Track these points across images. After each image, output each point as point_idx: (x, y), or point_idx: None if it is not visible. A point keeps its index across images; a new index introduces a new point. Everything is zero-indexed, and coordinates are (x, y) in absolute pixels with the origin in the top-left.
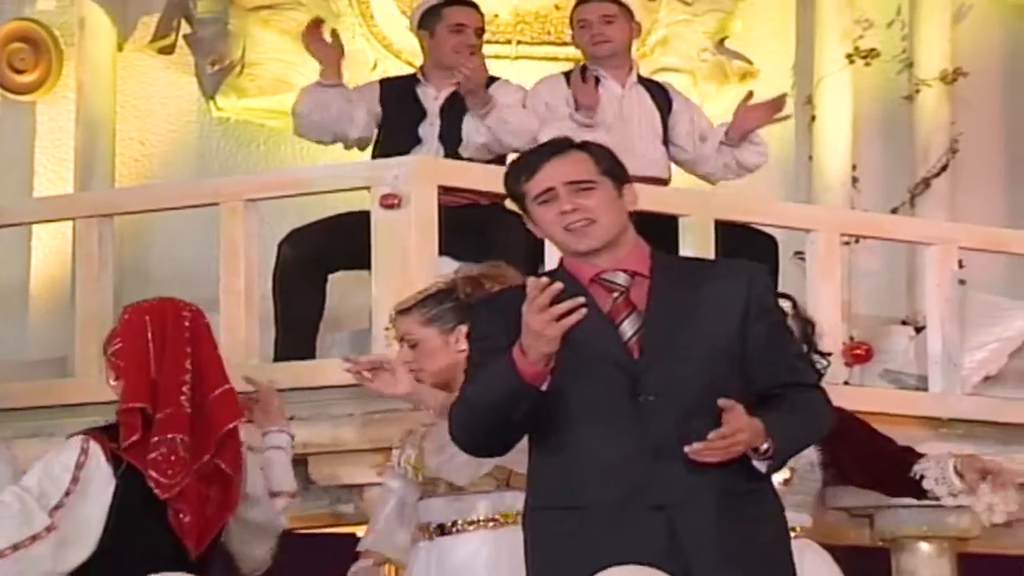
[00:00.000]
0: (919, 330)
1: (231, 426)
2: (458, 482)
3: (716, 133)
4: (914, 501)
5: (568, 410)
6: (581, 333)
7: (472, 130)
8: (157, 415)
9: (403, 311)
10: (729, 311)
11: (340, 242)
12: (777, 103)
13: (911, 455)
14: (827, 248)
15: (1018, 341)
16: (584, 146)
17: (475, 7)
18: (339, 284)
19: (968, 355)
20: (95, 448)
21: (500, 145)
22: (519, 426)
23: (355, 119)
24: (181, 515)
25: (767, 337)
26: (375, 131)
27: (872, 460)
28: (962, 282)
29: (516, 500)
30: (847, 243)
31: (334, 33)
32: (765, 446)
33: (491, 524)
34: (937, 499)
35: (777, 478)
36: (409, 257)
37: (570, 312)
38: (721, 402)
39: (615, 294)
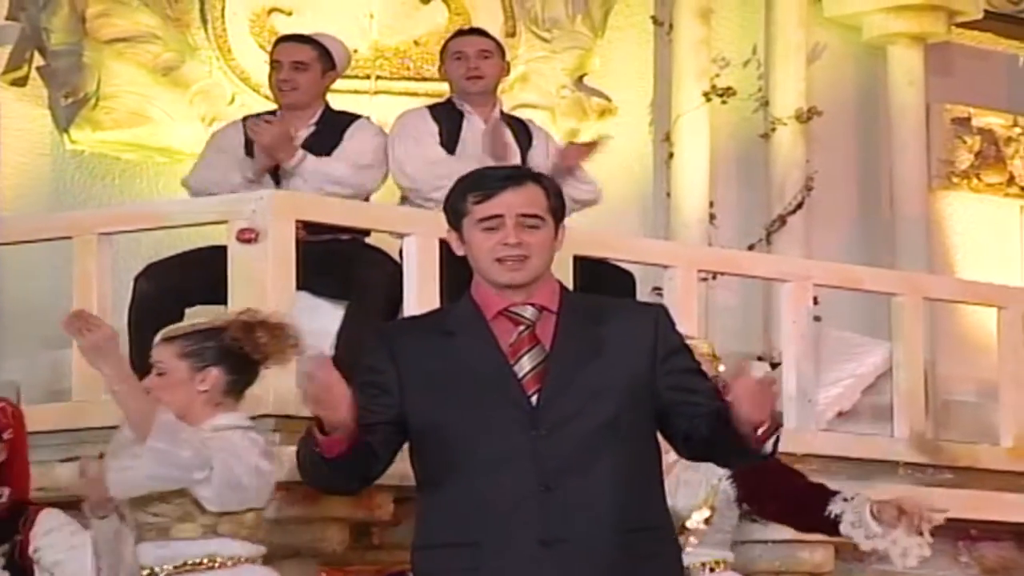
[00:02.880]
0: (775, 366)
1: None
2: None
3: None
4: (768, 535)
5: (460, 447)
6: (475, 369)
7: (299, 183)
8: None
9: (168, 339)
10: (636, 349)
11: (197, 276)
12: (592, 145)
13: (823, 491)
14: (684, 284)
15: (871, 377)
16: (538, 179)
17: (302, 40)
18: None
19: (823, 391)
20: None
21: (326, 194)
22: (351, 477)
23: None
24: None
25: (683, 373)
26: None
27: (786, 495)
28: (817, 318)
29: (232, 547)
30: (704, 279)
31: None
32: (768, 425)
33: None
34: (852, 541)
35: (698, 517)
36: (266, 292)
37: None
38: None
39: (521, 328)
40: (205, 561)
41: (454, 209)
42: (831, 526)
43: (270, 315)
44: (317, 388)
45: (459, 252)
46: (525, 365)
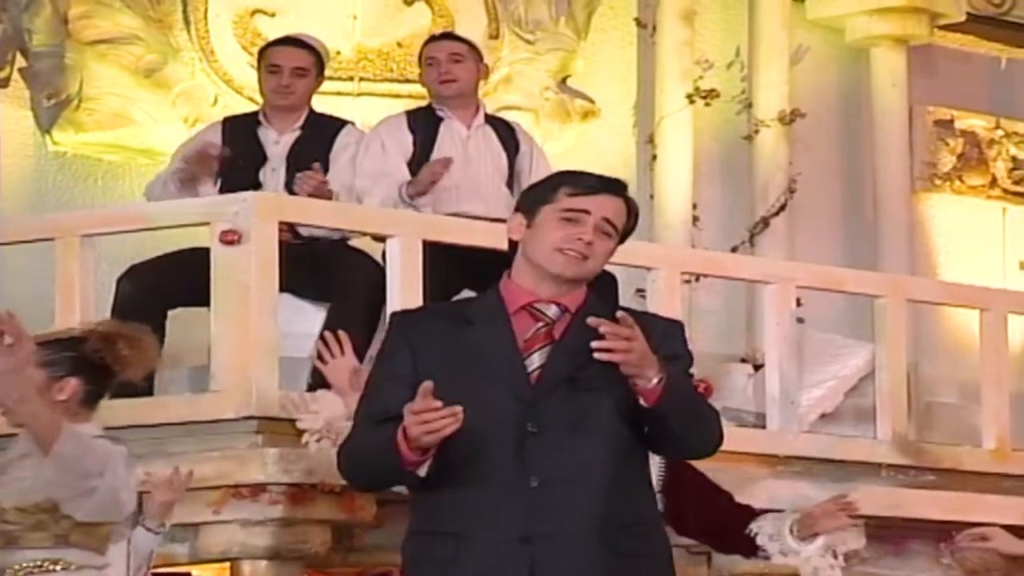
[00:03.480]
0: (758, 368)
1: None
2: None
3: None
4: None
5: (458, 436)
6: (487, 359)
7: None
8: None
9: None
10: None
11: (180, 278)
12: None
13: (747, 512)
14: (668, 286)
15: (854, 379)
16: (628, 198)
17: (301, 45)
18: (179, 320)
19: (805, 393)
20: None
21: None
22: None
23: (201, 192)
24: None
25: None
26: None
27: (709, 513)
28: (800, 320)
29: (79, 556)
30: (687, 281)
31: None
32: (656, 379)
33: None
34: (767, 557)
35: None
36: (249, 294)
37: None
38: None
39: (540, 324)
40: (47, 564)
41: (539, 195)
42: (749, 545)
43: (127, 326)
44: (432, 415)
45: (515, 236)
46: (535, 361)
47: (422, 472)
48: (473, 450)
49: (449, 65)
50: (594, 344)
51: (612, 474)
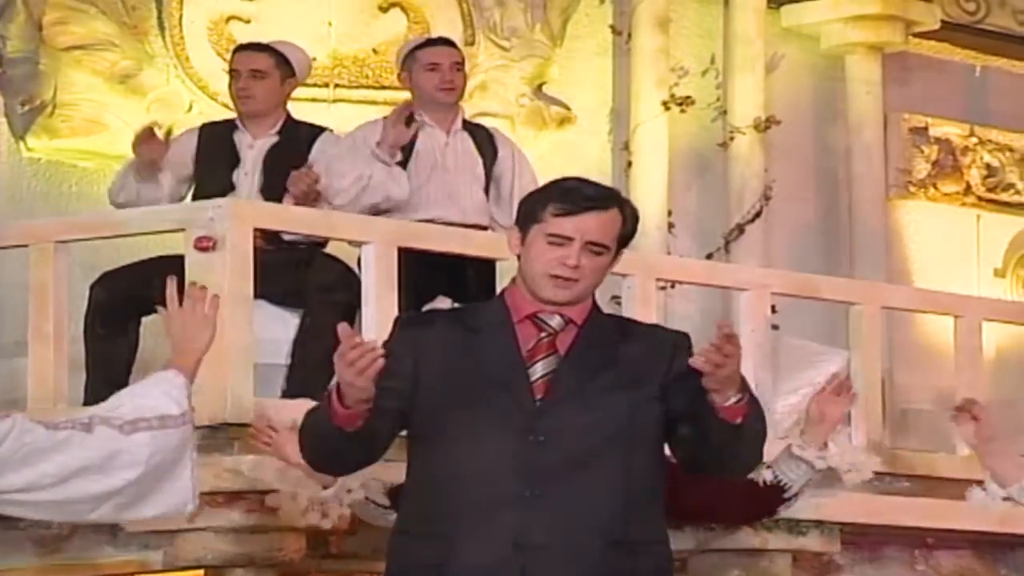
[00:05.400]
0: None
1: None
2: None
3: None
4: (728, 544)
5: (457, 442)
6: (490, 368)
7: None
8: None
9: None
10: (648, 372)
11: (153, 285)
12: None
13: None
14: (643, 293)
15: None
16: (623, 205)
17: (260, 48)
18: (153, 327)
19: (780, 400)
20: None
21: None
22: (357, 453)
23: (162, 187)
24: None
25: (694, 391)
26: (186, 189)
27: (719, 496)
28: (775, 327)
29: None
30: (663, 288)
31: (168, 133)
32: (736, 397)
33: None
34: (790, 487)
35: None
36: (224, 300)
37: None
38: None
39: (543, 334)
40: None
41: (530, 211)
42: (774, 491)
43: None
44: (357, 352)
45: (513, 251)
46: (538, 370)
47: (351, 430)
48: (470, 457)
49: (452, 73)
50: (698, 352)
51: (616, 489)
